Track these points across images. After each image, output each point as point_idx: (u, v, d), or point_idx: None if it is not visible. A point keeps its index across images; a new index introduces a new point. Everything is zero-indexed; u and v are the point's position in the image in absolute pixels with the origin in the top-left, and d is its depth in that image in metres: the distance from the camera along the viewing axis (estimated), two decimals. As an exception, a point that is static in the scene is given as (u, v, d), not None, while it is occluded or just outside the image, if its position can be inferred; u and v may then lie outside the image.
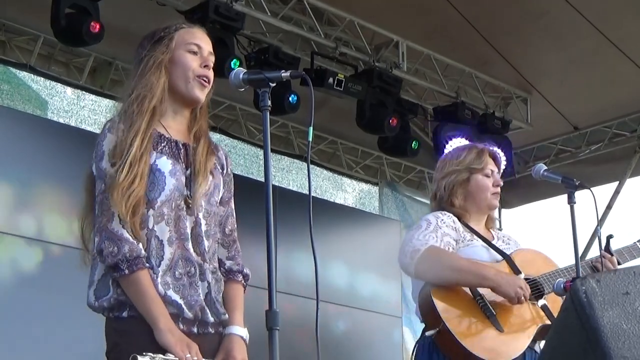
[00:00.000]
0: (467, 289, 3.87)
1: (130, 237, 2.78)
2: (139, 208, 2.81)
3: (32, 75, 7.83)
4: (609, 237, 4.14)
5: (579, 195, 4.03)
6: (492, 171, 4.15)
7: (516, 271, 3.96)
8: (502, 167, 4.25)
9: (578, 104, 9.10)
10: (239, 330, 2.95)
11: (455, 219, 4.04)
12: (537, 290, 3.96)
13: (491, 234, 4.17)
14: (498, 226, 4.31)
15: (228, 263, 3.03)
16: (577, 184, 4.02)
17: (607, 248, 4.11)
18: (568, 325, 2.41)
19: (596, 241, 4.27)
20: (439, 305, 3.78)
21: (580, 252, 4.01)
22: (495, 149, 4.29)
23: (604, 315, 2.32)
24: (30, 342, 6.56)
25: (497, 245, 4.09)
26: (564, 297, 3.88)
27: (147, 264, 2.79)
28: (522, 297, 3.83)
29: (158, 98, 2.93)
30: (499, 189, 4.15)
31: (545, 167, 4.17)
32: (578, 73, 8.63)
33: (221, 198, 3.05)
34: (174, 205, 2.87)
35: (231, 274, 3.02)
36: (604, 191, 9.39)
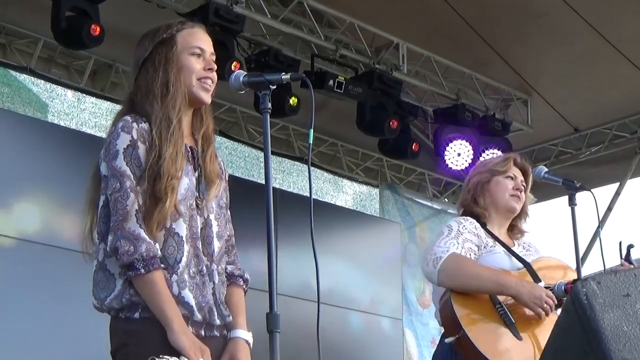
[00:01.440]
0: (487, 297, 3.88)
1: (148, 237, 2.76)
2: (167, 218, 2.83)
3: (33, 78, 7.83)
4: (630, 246, 4.11)
5: (580, 196, 4.03)
6: (516, 176, 4.17)
7: (536, 279, 3.95)
8: (531, 180, 4.24)
9: (578, 106, 9.10)
10: (244, 334, 2.95)
11: (478, 225, 4.05)
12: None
13: (512, 241, 4.17)
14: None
15: (229, 268, 3.04)
16: (577, 185, 4.02)
17: (628, 258, 4.10)
18: (569, 327, 2.41)
19: (597, 243, 4.27)
20: (460, 312, 3.79)
21: (580, 254, 4.01)
22: (526, 163, 4.29)
23: (604, 317, 2.32)
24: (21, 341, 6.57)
25: (517, 252, 4.09)
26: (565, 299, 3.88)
27: (162, 265, 2.79)
28: (546, 306, 3.82)
29: (180, 106, 2.93)
30: (519, 193, 4.13)
31: (546, 169, 4.18)
32: (578, 75, 8.64)
33: None
34: (188, 204, 2.88)
35: (233, 279, 3.03)
36: (605, 193, 9.40)
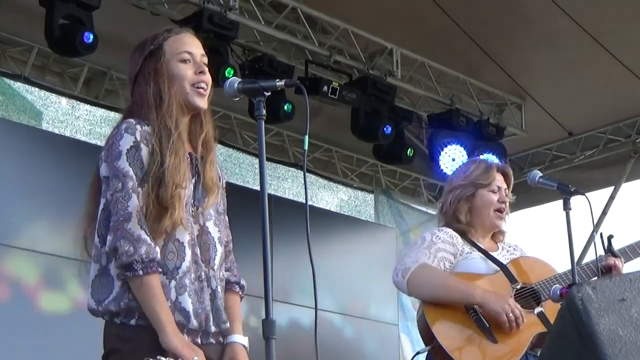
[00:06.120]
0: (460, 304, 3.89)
1: (148, 239, 2.77)
2: (177, 227, 2.84)
3: (27, 85, 7.81)
4: (610, 237, 4.12)
5: (574, 200, 4.03)
6: (499, 187, 4.15)
7: (512, 280, 3.97)
8: (512, 181, 4.24)
9: (572, 110, 9.12)
10: (241, 338, 2.97)
11: (454, 234, 4.04)
12: (534, 297, 3.96)
13: (496, 245, 4.17)
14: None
15: (226, 274, 3.04)
16: (572, 190, 4.02)
17: (610, 249, 4.10)
18: (564, 332, 2.41)
19: (592, 247, 4.28)
20: (432, 321, 3.84)
21: (576, 258, 4.01)
22: (507, 166, 4.29)
23: (600, 322, 2.32)
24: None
25: (500, 255, 4.10)
26: (561, 303, 3.88)
27: (160, 270, 2.79)
28: (511, 314, 3.82)
29: (176, 115, 2.93)
30: (503, 205, 4.13)
31: (541, 174, 4.17)
32: (572, 79, 8.65)
33: None
34: (188, 210, 2.89)
35: (229, 285, 3.04)
36: (599, 197, 9.41)
